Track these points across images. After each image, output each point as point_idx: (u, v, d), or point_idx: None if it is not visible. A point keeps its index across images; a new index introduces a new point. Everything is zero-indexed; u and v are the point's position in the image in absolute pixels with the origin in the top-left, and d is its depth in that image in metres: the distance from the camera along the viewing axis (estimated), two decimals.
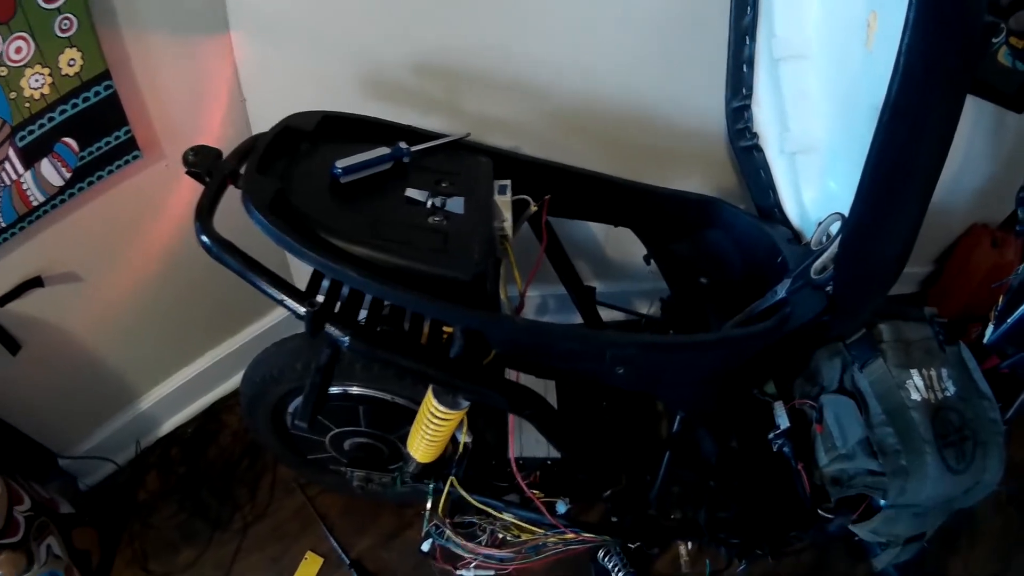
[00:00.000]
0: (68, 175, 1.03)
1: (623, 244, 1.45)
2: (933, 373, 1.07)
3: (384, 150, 0.90)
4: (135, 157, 1.10)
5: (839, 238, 0.88)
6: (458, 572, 1.35)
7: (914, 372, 1.06)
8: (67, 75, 0.93)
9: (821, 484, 1.13)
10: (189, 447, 1.59)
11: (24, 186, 0.99)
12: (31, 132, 0.95)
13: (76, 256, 1.17)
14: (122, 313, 1.32)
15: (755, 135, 1.18)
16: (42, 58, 0.89)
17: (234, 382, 1.64)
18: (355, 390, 1.14)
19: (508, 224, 0.96)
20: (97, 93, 0.98)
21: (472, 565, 1.32)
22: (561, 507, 1.21)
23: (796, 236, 1.12)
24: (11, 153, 0.95)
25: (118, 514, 1.47)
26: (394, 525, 1.50)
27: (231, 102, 1.17)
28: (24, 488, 1.20)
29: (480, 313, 0.82)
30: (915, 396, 1.04)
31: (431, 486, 1.20)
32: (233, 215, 0.77)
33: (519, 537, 1.24)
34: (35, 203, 1.02)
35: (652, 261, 1.24)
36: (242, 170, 0.84)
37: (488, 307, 0.86)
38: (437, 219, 0.87)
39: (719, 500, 1.23)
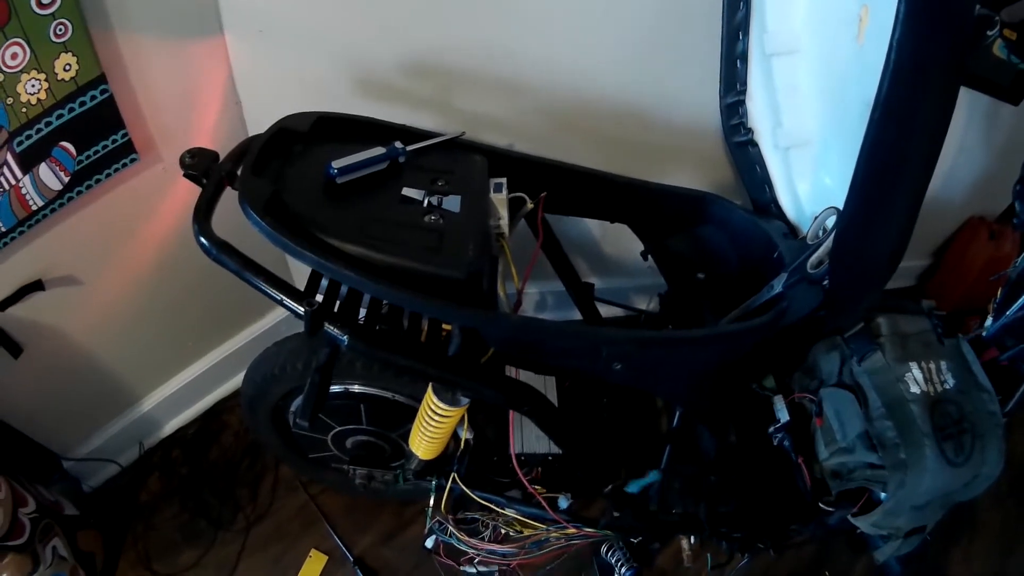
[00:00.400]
0: (66, 179, 1.04)
1: (620, 240, 1.45)
2: (932, 366, 1.07)
3: (379, 150, 0.91)
4: (132, 160, 1.10)
5: (834, 233, 0.89)
6: (461, 568, 1.36)
7: (913, 365, 1.06)
8: (63, 80, 0.93)
9: (821, 478, 1.13)
10: (191, 448, 1.59)
11: (23, 191, 0.99)
12: (28, 137, 0.95)
13: (76, 259, 1.17)
14: (122, 315, 1.32)
15: (749, 130, 1.18)
16: (37, 63, 0.89)
17: (235, 382, 1.65)
18: (356, 388, 1.15)
19: (504, 222, 0.97)
20: (93, 97, 0.98)
21: (475, 561, 1.33)
22: (563, 502, 1.22)
23: (792, 231, 1.13)
24: (9, 158, 0.95)
25: (122, 515, 1.48)
26: (397, 522, 1.51)
27: (226, 104, 1.17)
28: (29, 490, 1.21)
29: (475, 311, 0.82)
30: (914, 389, 1.04)
31: (433, 483, 1.21)
32: (233, 216, 0.78)
33: (521, 533, 1.24)
34: (34, 207, 1.03)
35: (649, 257, 1.24)
36: (239, 172, 0.84)
37: (485, 305, 0.86)
38: (433, 218, 0.87)
39: (720, 495, 1.24)
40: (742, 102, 1.17)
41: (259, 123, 1.07)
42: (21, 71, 0.89)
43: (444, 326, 0.96)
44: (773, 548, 1.29)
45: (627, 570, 1.36)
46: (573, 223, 1.47)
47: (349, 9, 1.07)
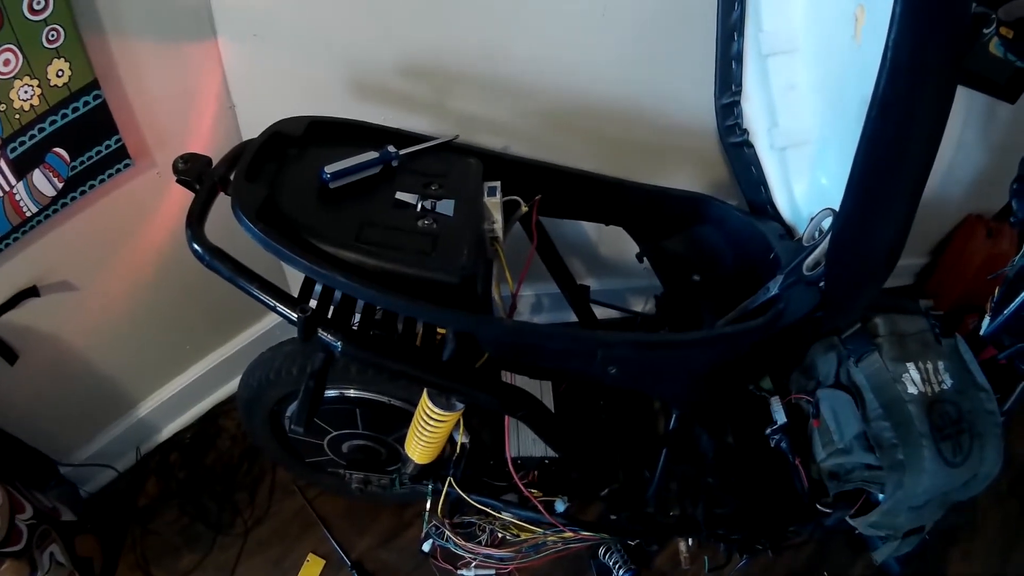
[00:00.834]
0: (60, 185, 1.03)
1: (616, 242, 1.45)
2: (930, 366, 1.07)
3: (372, 154, 0.90)
4: (126, 165, 1.10)
5: (831, 234, 0.88)
6: (459, 572, 1.36)
7: (910, 365, 1.06)
8: (56, 86, 0.93)
9: (819, 479, 1.13)
10: (188, 452, 1.59)
11: (17, 197, 0.99)
12: (22, 143, 0.95)
13: (71, 265, 1.17)
14: (118, 320, 1.32)
15: (745, 131, 1.18)
16: (30, 70, 0.89)
17: (232, 386, 1.65)
18: (352, 393, 1.15)
19: (498, 226, 0.96)
20: (86, 103, 0.98)
21: (472, 565, 1.33)
22: (559, 506, 1.22)
23: (788, 232, 1.12)
24: (3, 165, 0.95)
25: (119, 520, 1.48)
26: (394, 526, 1.51)
27: (220, 108, 1.17)
28: (26, 497, 1.20)
29: (469, 315, 0.82)
30: (912, 389, 1.04)
31: (430, 487, 1.20)
32: (228, 220, 0.78)
33: (518, 536, 1.24)
34: (28, 214, 1.02)
35: (645, 259, 1.24)
36: (232, 177, 0.84)
37: (479, 309, 0.86)
38: (427, 222, 0.86)
39: (717, 496, 1.23)
40: (737, 103, 1.17)
41: (253, 127, 1.07)
42: (14, 77, 0.88)
43: (439, 331, 0.95)
44: (771, 549, 1.29)
45: (625, 572, 1.36)
46: (568, 225, 1.47)
47: (343, 12, 1.07)
